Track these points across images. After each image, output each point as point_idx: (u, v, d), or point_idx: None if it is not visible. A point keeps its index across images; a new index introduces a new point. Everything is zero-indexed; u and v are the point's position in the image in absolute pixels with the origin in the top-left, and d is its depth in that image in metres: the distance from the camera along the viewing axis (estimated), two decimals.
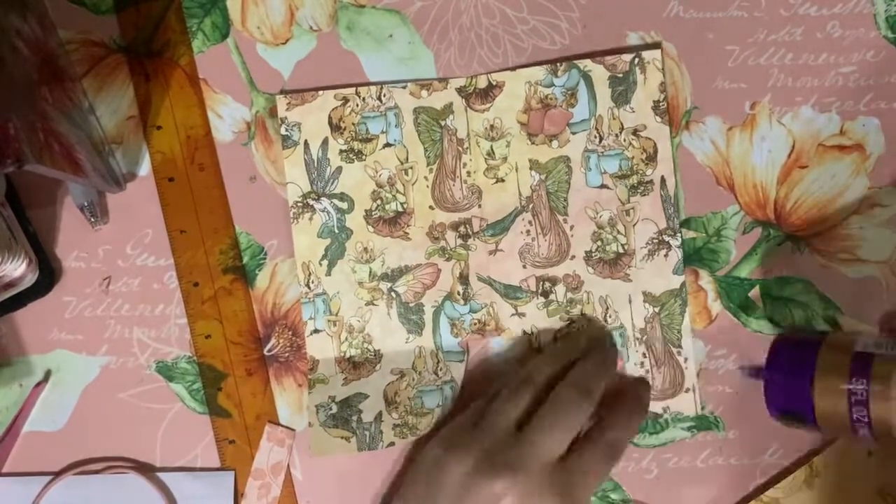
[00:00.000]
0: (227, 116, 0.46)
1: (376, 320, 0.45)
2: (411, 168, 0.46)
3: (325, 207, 0.46)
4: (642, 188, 0.45)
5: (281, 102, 0.46)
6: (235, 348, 0.46)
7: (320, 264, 0.46)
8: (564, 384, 0.41)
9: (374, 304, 0.46)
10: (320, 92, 0.46)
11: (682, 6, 0.46)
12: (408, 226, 0.46)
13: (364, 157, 0.46)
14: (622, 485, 0.45)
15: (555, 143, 0.45)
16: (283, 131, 0.46)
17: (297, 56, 0.46)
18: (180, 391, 0.46)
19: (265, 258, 0.46)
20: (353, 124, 0.46)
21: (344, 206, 0.46)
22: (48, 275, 0.45)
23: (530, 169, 0.45)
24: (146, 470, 0.45)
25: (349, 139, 0.46)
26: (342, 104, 0.46)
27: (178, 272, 0.46)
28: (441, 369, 0.45)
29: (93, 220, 0.45)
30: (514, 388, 0.41)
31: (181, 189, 0.46)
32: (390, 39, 0.46)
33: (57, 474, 0.45)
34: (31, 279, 0.44)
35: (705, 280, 0.46)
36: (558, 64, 0.45)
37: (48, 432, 0.46)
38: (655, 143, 0.45)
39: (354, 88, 0.46)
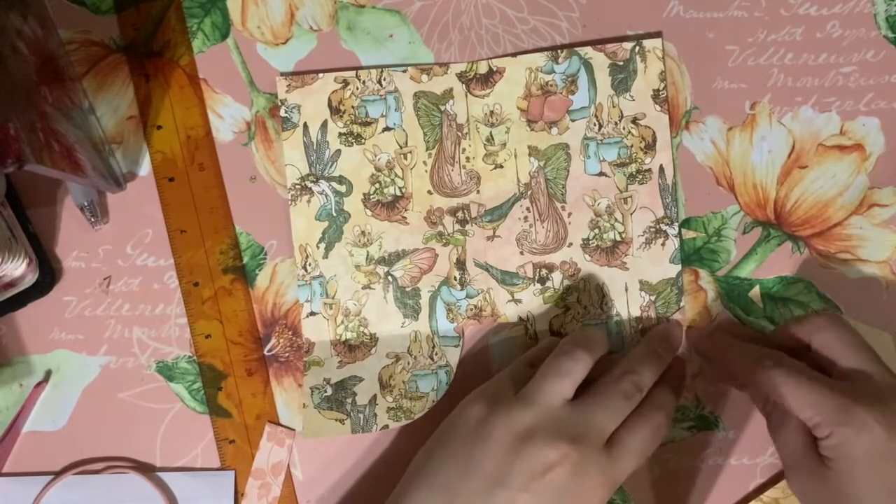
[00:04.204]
0: (227, 116, 0.46)
1: (373, 304, 0.46)
2: (410, 152, 0.46)
3: (323, 190, 0.46)
4: (640, 176, 0.45)
5: (281, 84, 0.46)
6: (235, 348, 0.46)
7: (317, 247, 0.46)
8: (623, 371, 0.40)
9: (370, 288, 0.46)
10: (320, 75, 0.46)
11: (682, 6, 0.46)
12: (406, 210, 0.46)
13: (363, 140, 0.46)
14: (622, 485, 0.45)
15: (554, 130, 0.46)
16: (282, 113, 0.46)
17: (298, 56, 0.46)
18: (180, 391, 0.46)
19: (265, 258, 0.46)
20: (353, 107, 0.46)
21: (342, 189, 0.46)
22: (48, 275, 0.45)
23: (529, 155, 0.45)
24: (146, 470, 0.45)
25: (349, 122, 0.46)
26: (342, 87, 0.46)
27: (178, 272, 0.46)
28: (436, 354, 0.45)
29: (93, 220, 0.45)
30: (566, 360, 0.39)
31: (181, 189, 0.46)
32: (390, 39, 0.46)
33: (57, 474, 0.45)
34: (31, 279, 0.44)
35: (705, 280, 0.46)
36: (559, 51, 0.45)
37: (48, 432, 0.46)
38: (654, 132, 0.45)
39: (355, 72, 0.46)
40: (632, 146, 0.45)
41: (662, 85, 0.45)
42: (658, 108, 0.45)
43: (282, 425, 0.46)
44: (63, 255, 0.46)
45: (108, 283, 0.46)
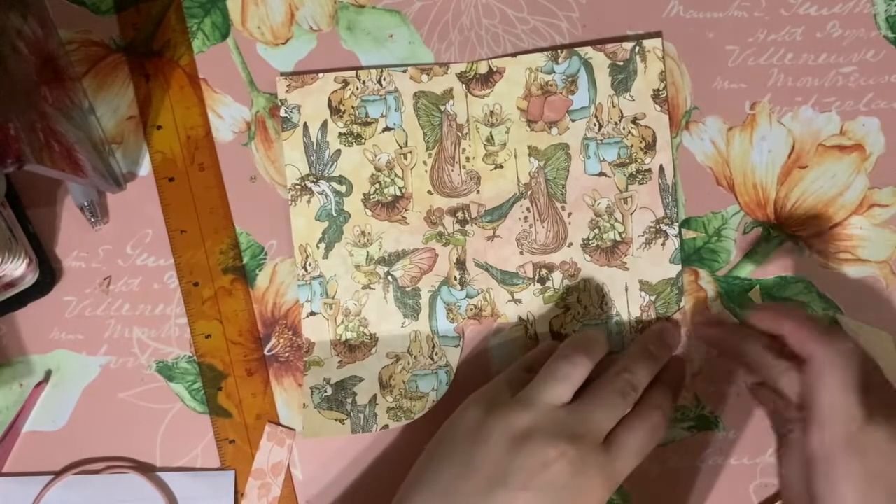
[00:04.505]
0: (227, 116, 0.46)
1: (373, 304, 0.46)
2: (410, 152, 0.46)
3: (323, 190, 0.46)
4: (640, 176, 0.45)
5: (281, 84, 0.46)
6: (235, 348, 0.46)
7: (318, 247, 0.46)
8: (618, 370, 0.40)
9: (370, 288, 0.46)
10: (320, 75, 0.46)
11: (682, 6, 0.46)
12: (406, 210, 0.46)
13: (363, 140, 0.46)
14: (622, 485, 0.45)
15: (554, 130, 0.46)
16: (282, 113, 0.46)
17: (298, 56, 0.46)
18: (180, 391, 0.46)
19: (265, 258, 0.46)
20: (353, 107, 0.46)
21: (342, 189, 0.46)
22: (48, 275, 0.45)
23: (529, 155, 0.46)
24: (146, 470, 0.45)
25: (349, 122, 0.46)
26: (342, 87, 0.46)
27: (178, 272, 0.46)
28: (436, 354, 0.45)
29: (93, 220, 0.45)
30: (565, 364, 0.39)
31: (181, 189, 0.46)
32: (390, 39, 0.46)
33: (57, 474, 0.45)
34: (31, 279, 0.44)
35: (705, 280, 0.46)
36: (559, 51, 0.45)
37: (48, 432, 0.46)
38: (654, 132, 0.45)
39: (355, 72, 0.46)
40: (632, 146, 0.45)
41: (662, 85, 0.45)
42: (658, 108, 0.45)
43: (282, 425, 0.46)
44: (63, 255, 0.46)
45: (108, 283, 0.46)
